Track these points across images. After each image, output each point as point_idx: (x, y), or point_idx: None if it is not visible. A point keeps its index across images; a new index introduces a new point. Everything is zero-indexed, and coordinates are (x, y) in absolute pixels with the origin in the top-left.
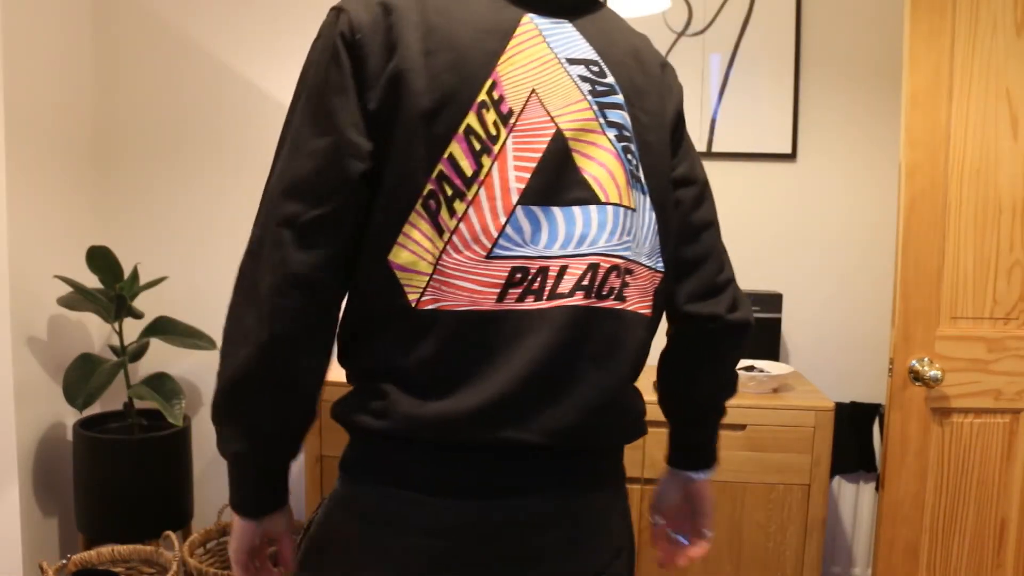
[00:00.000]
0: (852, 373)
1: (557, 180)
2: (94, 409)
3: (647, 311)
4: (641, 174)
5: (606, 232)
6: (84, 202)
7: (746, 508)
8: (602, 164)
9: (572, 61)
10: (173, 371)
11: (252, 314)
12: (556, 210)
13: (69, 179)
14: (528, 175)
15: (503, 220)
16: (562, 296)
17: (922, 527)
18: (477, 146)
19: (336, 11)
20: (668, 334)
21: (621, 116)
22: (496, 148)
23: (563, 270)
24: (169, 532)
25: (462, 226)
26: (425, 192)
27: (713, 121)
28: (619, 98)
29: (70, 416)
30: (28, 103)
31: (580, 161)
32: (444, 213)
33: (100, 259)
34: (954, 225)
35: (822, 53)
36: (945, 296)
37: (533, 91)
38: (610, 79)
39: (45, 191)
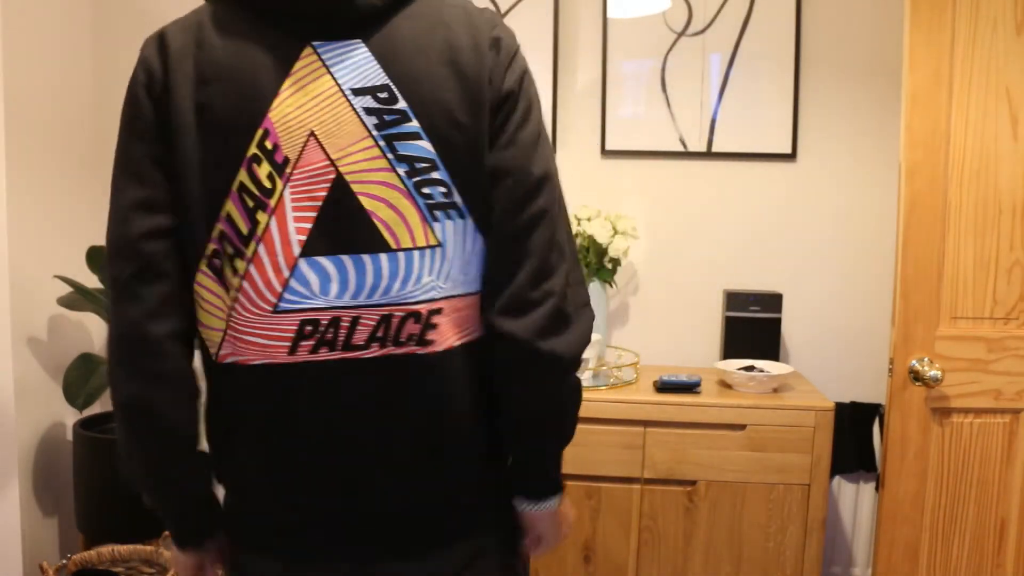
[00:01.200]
0: (852, 373)
1: (342, 228)
2: (94, 409)
3: (474, 337)
4: (457, 198)
5: (398, 280)
6: (84, 202)
7: (746, 508)
8: (392, 206)
9: (357, 92)
10: None
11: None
12: (346, 259)
13: (69, 179)
14: (309, 226)
15: (286, 274)
16: (358, 348)
17: (922, 527)
18: (250, 203)
19: (142, 52)
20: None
21: (416, 147)
22: (272, 202)
23: (355, 321)
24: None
25: (245, 284)
26: (208, 251)
27: (713, 121)
28: (413, 126)
29: (70, 416)
30: (28, 103)
31: (369, 204)
32: (228, 271)
33: (100, 259)
34: (954, 225)
35: (822, 53)
36: (945, 296)
37: (312, 134)
38: (402, 104)
39: (45, 191)
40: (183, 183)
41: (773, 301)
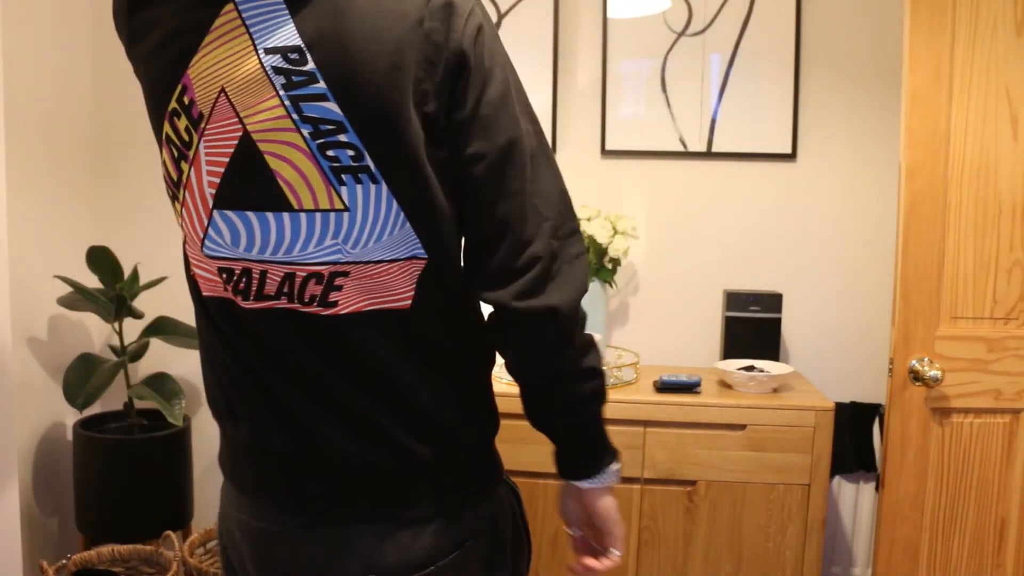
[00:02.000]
0: (852, 373)
1: (249, 185)
2: (94, 409)
3: (399, 305)
4: (369, 162)
5: (300, 240)
6: (84, 202)
7: (746, 508)
8: (295, 166)
9: (269, 51)
10: (173, 371)
11: None
12: (251, 215)
13: (69, 179)
14: (218, 180)
15: (205, 222)
16: (269, 298)
17: (922, 527)
18: (175, 153)
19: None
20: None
21: (322, 109)
22: (191, 154)
23: (264, 274)
24: (169, 532)
25: (183, 224)
26: (169, 193)
27: (713, 121)
28: (319, 87)
29: (70, 416)
30: (28, 103)
31: (274, 164)
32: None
33: (100, 259)
34: (954, 225)
35: (822, 53)
36: (945, 296)
37: (222, 90)
38: (310, 66)
39: (45, 191)
40: (153, 105)
41: (773, 301)
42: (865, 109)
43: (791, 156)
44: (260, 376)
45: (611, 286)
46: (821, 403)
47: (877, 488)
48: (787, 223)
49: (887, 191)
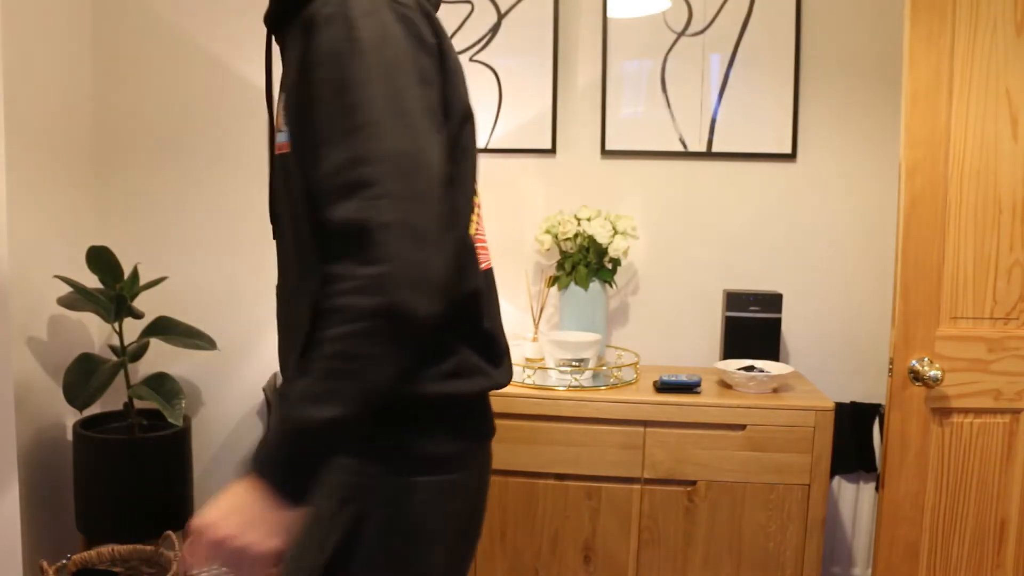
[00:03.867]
0: (852, 373)
1: None
2: (94, 409)
3: None
4: None
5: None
6: (84, 202)
7: (746, 508)
8: None
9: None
10: (173, 371)
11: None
12: None
13: (69, 179)
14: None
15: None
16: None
17: (922, 527)
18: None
19: (399, 4)
20: None
21: None
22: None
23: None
24: (169, 532)
25: (477, 198)
26: (470, 180)
27: (713, 121)
28: None
29: (70, 416)
30: (28, 103)
31: None
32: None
33: (100, 259)
34: (954, 225)
35: (822, 53)
36: (945, 296)
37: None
38: None
39: (45, 191)
40: (466, 120)
41: (773, 301)
42: (865, 109)
43: (791, 156)
44: (496, 320)
45: (611, 286)
46: (821, 403)
47: (877, 488)
48: (787, 223)
49: (887, 191)
